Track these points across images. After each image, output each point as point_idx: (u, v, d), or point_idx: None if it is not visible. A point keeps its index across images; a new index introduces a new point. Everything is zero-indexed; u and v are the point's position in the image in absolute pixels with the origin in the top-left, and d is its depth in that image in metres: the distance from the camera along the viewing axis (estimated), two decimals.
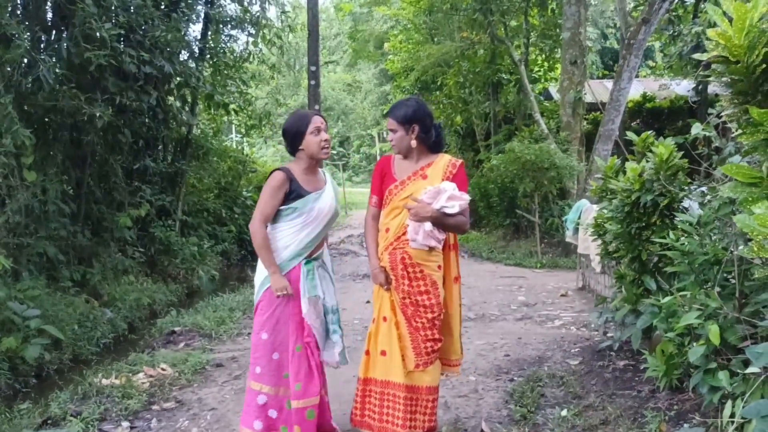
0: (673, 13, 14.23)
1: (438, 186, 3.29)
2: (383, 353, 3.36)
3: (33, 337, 5.91)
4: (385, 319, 3.39)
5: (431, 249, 3.33)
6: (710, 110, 4.19)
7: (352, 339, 6.05)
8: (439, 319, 3.38)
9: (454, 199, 3.26)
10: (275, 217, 3.40)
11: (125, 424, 4.21)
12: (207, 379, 5.15)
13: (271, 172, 3.42)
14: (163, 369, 5.27)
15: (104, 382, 4.91)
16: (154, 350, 6.23)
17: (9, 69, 7.04)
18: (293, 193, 3.35)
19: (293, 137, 3.37)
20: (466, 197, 3.31)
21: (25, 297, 6.38)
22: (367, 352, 3.44)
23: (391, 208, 3.40)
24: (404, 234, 3.35)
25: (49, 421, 4.26)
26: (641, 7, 13.70)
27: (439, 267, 3.41)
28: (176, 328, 7.04)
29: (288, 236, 3.38)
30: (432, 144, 3.46)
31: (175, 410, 4.46)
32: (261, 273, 3.43)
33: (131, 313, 8.02)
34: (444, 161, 3.43)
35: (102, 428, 4.14)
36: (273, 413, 3.44)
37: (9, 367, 5.53)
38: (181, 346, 6.42)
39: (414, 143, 3.38)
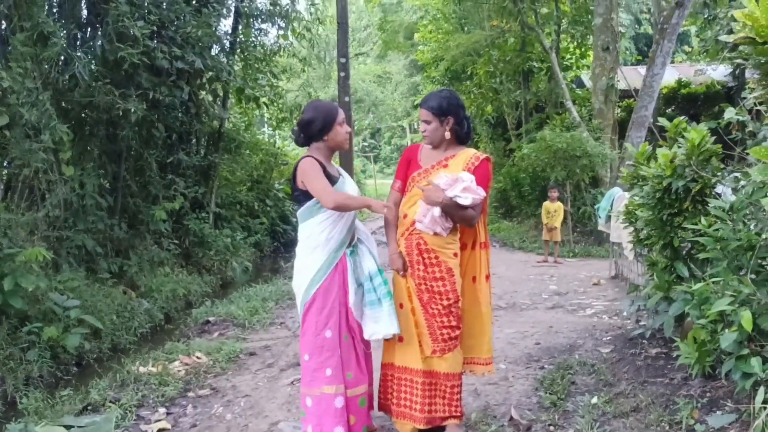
0: None
1: (456, 174, 3.29)
2: (401, 339, 3.39)
3: (73, 327, 6.08)
4: (401, 305, 3.40)
5: (435, 234, 3.33)
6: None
7: None
8: (456, 306, 3.36)
9: (468, 191, 3.24)
10: (312, 213, 3.31)
11: (162, 410, 4.32)
12: (241, 367, 5.25)
13: (298, 163, 3.33)
14: (198, 357, 5.39)
15: (141, 370, 5.04)
16: (189, 339, 6.36)
17: (47, 66, 7.23)
18: (327, 175, 3.30)
19: (322, 127, 3.33)
20: (482, 192, 3.29)
21: (66, 288, 6.57)
22: (386, 339, 3.46)
23: (411, 195, 3.43)
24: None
25: (89, 407, 4.40)
26: None
27: (455, 254, 3.41)
28: (211, 318, 7.18)
29: (328, 228, 3.30)
30: (463, 136, 3.48)
31: (210, 397, 4.57)
32: (303, 274, 3.33)
33: (167, 303, 8.19)
34: (468, 154, 3.44)
35: (140, 414, 4.26)
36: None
37: (51, 355, 5.70)
38: (216, 335, 6.54)
39: (448, 135, 3.41)
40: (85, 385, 4.99)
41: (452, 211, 3.26)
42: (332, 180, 3.32)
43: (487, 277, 3.56)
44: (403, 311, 3.38)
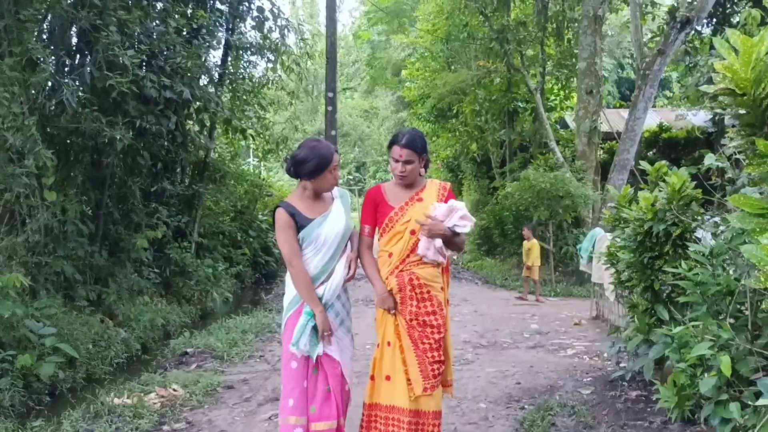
0: (690, 45, 14.27)
1: (451, 204, 3.38)
2: (388, 378, 3.36)
3: (48, 355, 5.96)
4: (389, 344, 3.38)
5: (438, 265, 3.40)
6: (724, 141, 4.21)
7: (363, 364, 6.02)
8: (444, 340, 3.40)
9: (465, 219, 3.37)
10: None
11: None
12: (218, 401, 5.17)
13: (274, 210, 3.43)
14: (174, 390, 5.30)
15: (116, 401, 4.95)
16: (166, 371, 6.27)
17: (34, 92, 7.21)
18: (297, 225, 3.34)
19: (313, 170, 3.33)
20: (473, 219, 3.45)
21: (42, 315, 6.45)
22: (372, 378, 3.43)
23: (393, 234, 3.43)
24: (408, 257, 3.39)
25: None
26: (657, 38, 13.76)
27: (442, 288, 3.46)
28: (189, 350, 7.09)
29: (305, 261, 3.36)
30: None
31: (185, 431, 4.48)
32: (287, 302, 3.40)
33: (145, 333, 8.07)
34: (435, 185, 3.55)
35: None
36: None
37: (23, 384, 5.56)
38: (193, 367, 6.45)
39: (422, 171, 3.49)
40: (57, 415, 4.89)
41: (450, 239, 3.36)
42: (304, 224, 3.33)
43: (448, 301, 3.58)
44: (391, 349, 3.37)
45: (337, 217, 3.45)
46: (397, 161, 3.40)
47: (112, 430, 4.38)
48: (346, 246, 3.47)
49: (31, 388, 5.68)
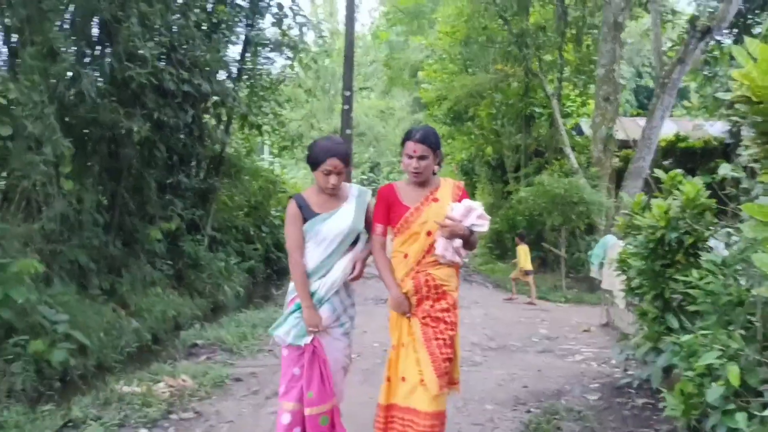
0: (709, 54, 14.18)
1: (468, 204, 3.34)
2: (403, 379, 3.31)
3: (60, 342, 6.02)
4: (404, 344, 3.34)
5: (453, 265, 3.35)
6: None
7: (371, 362, 6.07)
8: (455, 338, 3.37)
9: (482, 218, 3.34)
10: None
11: (143, 430, 4.28)
12: (226, 393, 5.21)
13: (289, 199, 3.49)
14: (183, 380, 5.34)
15: (125, 389, 4.99)
16: (176, 361, 6.32)
17: (54, 81, 7.30)
18: (304, 218, 3.38)
19: (312, 165, 3.39)
20: (488, 217, 3.41)
21: (55, 302, 6.52)
22: (388, 379, 3.37)
23: (409, 234, 3.35)
24: (424, 258, 3.32)
25: (70, 424, 4.35)
26: (677, 47, 13.69)
27: (457, 288, 3.41)
28: (199, 342, 7.14)
29: (307, 253, 3.41)
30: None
31: (192, 421, 4.52)
32: (290, 287, 3.48)
33: (156, 324, 8.14)
34: (449, 184, 3.48)
35: None
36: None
37: (35, 369, 5.62)
38: (203, 358, 6.50)
39: (437, 168, 3.42)
40: (67, 401, 4.94)
41: (468, 238, 3.32)
42: (308, 218, 3.37)
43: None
44: (405, 350, 3.33)
45: (344, 216, 3.41)
46: (411, 157, 3.32)
47: (121, 418, 4.41)
48: (353, 245, 3.44)
49: (43, 373, 5.74)
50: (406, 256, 3.36)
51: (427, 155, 3.32)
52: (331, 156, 3.30)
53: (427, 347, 3.28)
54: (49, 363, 5.78)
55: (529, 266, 11.19)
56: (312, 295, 3.34)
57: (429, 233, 3.31)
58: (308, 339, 3.32)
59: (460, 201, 3.40)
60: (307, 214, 3.37)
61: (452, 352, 3.33)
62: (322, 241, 3.36)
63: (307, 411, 3.31)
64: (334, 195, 3.42)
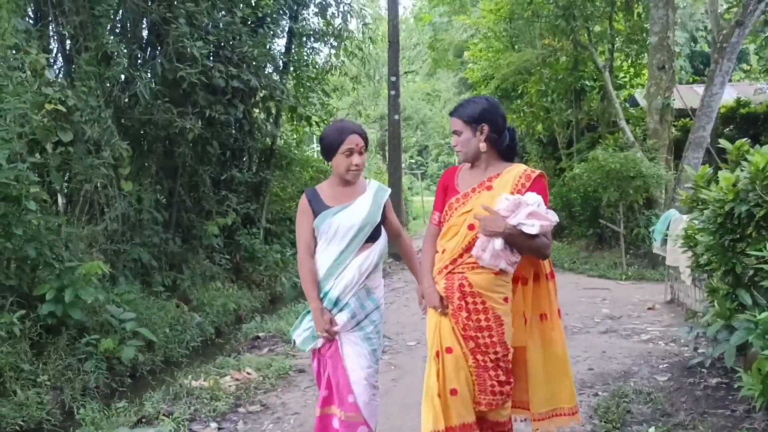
0: None
1: (519, 197, 2.74)
2: (453, 392, 2.81)
3: (128, 339, 6.23)
4: (449, 350, 2.83)
5: (500, 272, 2.79)
6: None
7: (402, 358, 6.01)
8: (505, 360, 2.85)
9: (535, 217, 2.69)
10: None
11: (213, 425, 4.38)
12: (290, 384, 5.28)
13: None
14: (248, 373, 5.44)
15: (193, 383, 5.12)
16: (239, 354, 6.45)
17: (109, 85, 7.50)
18: (314, 212, 3.13)
19: (326, 151, 3.11)
20: (554, 217, 2.75)
21: (122, 301, 6.74)
22: (439, 395, 2.80)
23: (450, 226, 2.88)
24: (462, 256, 2.82)
25: (143, 420, 4.49)
26: (734, 9, 13.08)
27: (506, 299, 2.84)
28: (260, 334, 7.26)
29: (320, 254, 3.16)
30: (504, 150, 2.94)
31: (260, 413, 4.61)
32: None
33: (218, 317, 8.32)
34: (516, 171, 2.87)
35: (192, 428, 4.33)
36: None
37: (107, 367, 5.84)
38: (265, 351, 6.60)
39: (483, 146, 2.86)
40: (139, 397, 5.10)
41: (519, 241, 2.71)
42: (318, 212, 3.12)
43: (558, 311, 3.05)
44: (454, 356, 2.83)
45: (358, 208, 3.11)
46: (452, 134, 2.94)
47: (191, 412, 4.52)
48: (372, 242, 3.14)
49: (114, 370, 5.96)
50: (443, 251, 2.90)
51: (460, 130, 2.88)
52: (350, 133, 3.04)
53: (473, 361, 2.84)
54: (119, 360, 6.00)
55: None
56: (324, 296, 3.09)
57: (471, 227, 2.80)
58: (319, 343, 3.13)
59: (523, 193, 2.80)
60: (317, 207, 3.12)
61: (498, 375, 2.84)
62: (333, 237, 3.08)
63: (317, 411, 3.16)
64: (353, 184, 3.16)
